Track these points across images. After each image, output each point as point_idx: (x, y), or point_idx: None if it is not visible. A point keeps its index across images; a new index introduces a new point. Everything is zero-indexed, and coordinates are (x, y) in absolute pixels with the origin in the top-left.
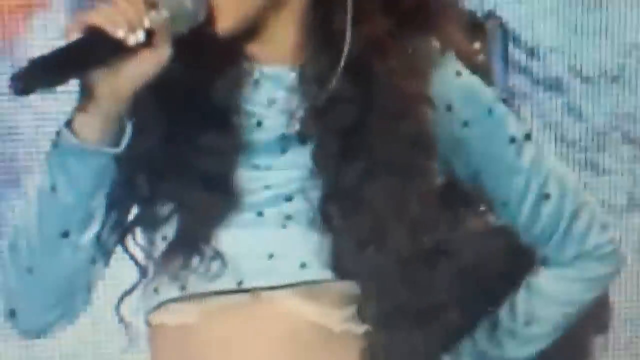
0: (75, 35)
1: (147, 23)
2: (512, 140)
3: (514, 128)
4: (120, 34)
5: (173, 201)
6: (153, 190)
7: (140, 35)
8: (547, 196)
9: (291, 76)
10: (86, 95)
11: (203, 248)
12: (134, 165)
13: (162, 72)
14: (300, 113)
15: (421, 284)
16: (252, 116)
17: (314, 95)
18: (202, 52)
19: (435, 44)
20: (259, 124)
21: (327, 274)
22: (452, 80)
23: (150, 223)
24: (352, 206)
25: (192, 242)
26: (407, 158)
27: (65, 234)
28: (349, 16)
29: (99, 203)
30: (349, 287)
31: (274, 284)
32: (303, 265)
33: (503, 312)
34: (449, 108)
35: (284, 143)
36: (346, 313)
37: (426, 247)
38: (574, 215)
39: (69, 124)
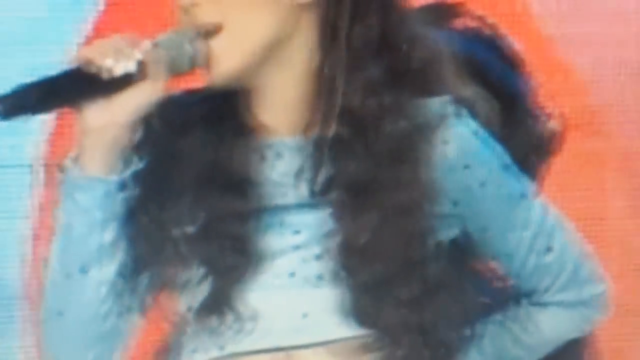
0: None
1: (138, 55)
2: (523, 196)
3: (525, 184)
4: (107, 63)
5: (202, 263)
6: (182, 252)
7: (130, 65)
8: (550, 249)
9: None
10: (81, 126)
11: (234, 308)
12: (162, 225)
13: (185, 142)
14: (318, 174)
15: (440, 324)
16: (279, 185)
17: (318, 146)
18: (217, 124)
19: (450, 104)
20: (285, 192)
21: (360, 330)
22: (470, 141)
23: (182, 285)
24: (367, 258)
25: (222, 303)
26: (409, 204)
27: (84, 269)
28: (343, 59)
29: (113, 236)
30: (375, 337)
31: (308, 342)
32: (338, 324)
33: (488, 329)
34: (467, 167)
35: (309, 205)
36: None
37: (433, 289)
38: (575, 268)
39: (74, 157)
